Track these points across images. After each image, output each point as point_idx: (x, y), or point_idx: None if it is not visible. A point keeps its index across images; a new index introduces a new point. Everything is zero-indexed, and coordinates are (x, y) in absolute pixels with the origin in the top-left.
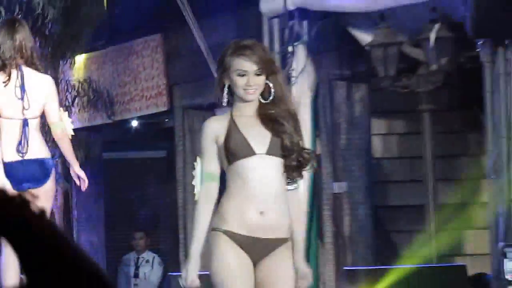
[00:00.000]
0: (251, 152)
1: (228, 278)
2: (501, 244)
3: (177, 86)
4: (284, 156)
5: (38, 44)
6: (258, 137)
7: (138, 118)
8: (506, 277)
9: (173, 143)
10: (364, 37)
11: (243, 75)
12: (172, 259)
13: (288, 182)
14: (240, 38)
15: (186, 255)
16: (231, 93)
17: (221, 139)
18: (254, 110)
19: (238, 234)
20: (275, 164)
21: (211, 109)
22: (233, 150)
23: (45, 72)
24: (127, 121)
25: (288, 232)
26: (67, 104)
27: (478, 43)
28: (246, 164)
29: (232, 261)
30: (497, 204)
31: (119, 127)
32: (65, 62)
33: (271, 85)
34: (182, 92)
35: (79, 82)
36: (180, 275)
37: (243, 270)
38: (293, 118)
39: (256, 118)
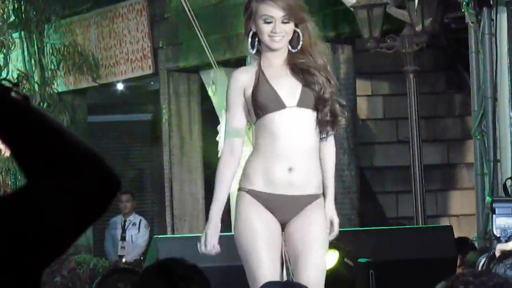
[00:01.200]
0: (281, 105)
1: (251, 241)
2: (488, 199)
3: (162, 49)
4: (317, 108)
5: (23, 8)
6: (288, 88)
7: (123, 81)
8: (495, 232)
9: (158, 106)
10: None
11: (269, 22)
12: (158, 222)
13: (321, 137)
14: None
15: (173, 218)
16: (259, 41)
17: (249, 91)
18: (283, 59)
19: (264, 192)
20: (307, 117)
21: (196, 71)
22: (261, 103)
23: (30, 37)
24: (112, 84)
25: (319, 188)
26: (52, 68)
27: (463, 3)
28: (276, 118)
29: (255, 223)
30: (483, 165)
31: (104, 91)
32: (50, 26)
33: (299, 33)
34: (167, 55)
35: (64, 46)
36: (198, 239)
37: (266, 232)
38: (324, 68)
39: (286, 68)
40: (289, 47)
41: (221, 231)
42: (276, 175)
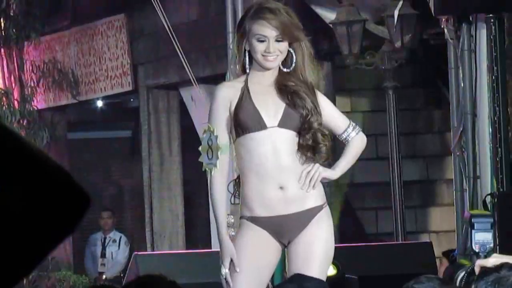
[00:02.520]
0: (262, 126)
1: (240, 260)
2: (468, 214)
3: (142, 66)
4: (299, 132)
5: (3, 25)
6: (272, 108)
7: (103, 98)
8: (474, 248)
9: (138, 122)
10: (328, 14)
11: (262, 41)
12: (138, 239)
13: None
14: (263, 0)
15: (153, 234)
16: (250, 58)
17: (232, 108)
18: (273, 79)
19: (263, 217)
20: (288, 138)
21: (176, 88)
22: (243, 122)
23: (10, 54)
24: (92, 101)
25: (321, 199)
26: (32, 85)
27: (442, 19)
28: (256, 138)
29: (247, 245)
30: (462, 181)
31: (84, 107)
32: (30, 43)
33: (293, 52)
34: (146, 72)
35: (44, 63)
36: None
37: (257, 252)
38: (312, 92)
39: (273, 88)
40: (281, 66)
41: (201, 248)
42: (269, 195)
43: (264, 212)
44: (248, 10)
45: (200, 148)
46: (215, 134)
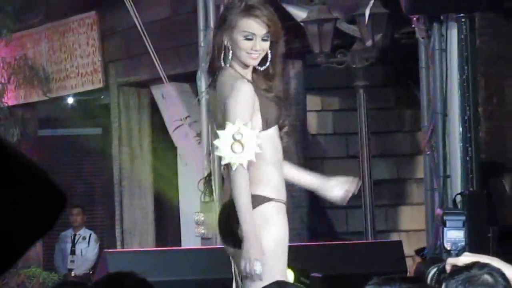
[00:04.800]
0: (278, 120)
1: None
2: (439, 211)
3: (112, 63)
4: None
5: None
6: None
7: (74, 95)
8: (445, 246)
9: (109, 120)
10: (299, 13)
11: (250, 39)
12: (108, 236)
13: None
14: None
15: (122, 232)
16: (225, 53)
17: (257, 103)
18: (250, 76)
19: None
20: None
21: (147, 86)
22: (270, 115)
23: None
24: (62, 98)
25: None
26: (3, 81)
27: (413, 19)
28: (275, 131)
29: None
30: (433, 180)
31: (55, 105)
32: (1, 40)
33: (269, 51)
34: (117, 69)
35: (15, 59)
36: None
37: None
38: (285, 97)
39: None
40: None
41: (171, 246)
42: (282, 182)
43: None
44: (234, 3)
45: (218, 142)
46: (248, 128)
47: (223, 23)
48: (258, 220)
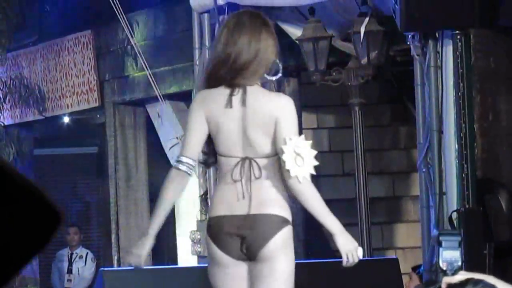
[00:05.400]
0: None
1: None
2: (435, 232)
3: (108, 82)
4: None
5: None
6: None
7: (69, 114)
8: (441, 266)
9: (105, 139)
10: (294, 31)
11: None
12: (105, 255)
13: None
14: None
15: (119, 250)
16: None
17: None
18: None
19: None
20: None
21: (142, 104)
22: None
23: None
24: (58, 117)
25: None
26: None
27: (408, 36)
28: None
29: None
30: (428, 197)
31: (50, 124)
32: None
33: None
34: (112, 88)
35: (10, 79)
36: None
37: None
38: None
39: None
40: None
41: (168, 264)
42: None
43: None
44: (229, 21)
45: (285, 157)
46: (306, 141)
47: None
48: (284, 243)
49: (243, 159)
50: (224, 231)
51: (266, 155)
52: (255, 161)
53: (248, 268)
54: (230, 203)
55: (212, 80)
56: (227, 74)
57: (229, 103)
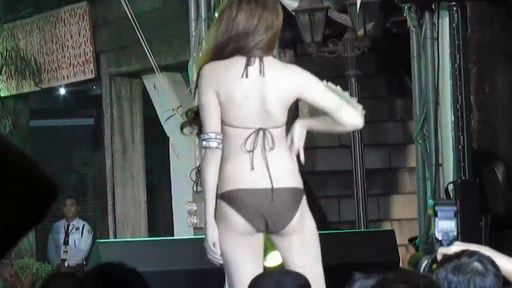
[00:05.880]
0: None
1: None
2: (431, 202)
3: (104, 54)
4: None
5: None
6: None
7: (66, 86)
8: (437, 236)
9: (101, 110)
10: (291, 2)
11: None
12: (101, 227)
13: None
14: None
15: (115, 222)
16: None
17: None
18: None
19: None
20: None
21: (139, 76)
22: None
23: None
24: (54, 89)
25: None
26: None
27: (405, 8)
28: None
29: None
30: (425, 169)
31: (47, 95)
32: None
33: None
34: (109, 60)
35: (6, 50)
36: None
37: None
38: None
39: None
40: None
41: (164, 236)
42: None
43: None
44: None
45: (345, 108)
46: (337, 87)
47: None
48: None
49: (257, 130)
50: (247, 204)
51: (280, 125)
52: (269, 131)
53: (264, 239)
54: (248, 175)
55: (226, 51)
56: (246, 45)
57: (246, 73)
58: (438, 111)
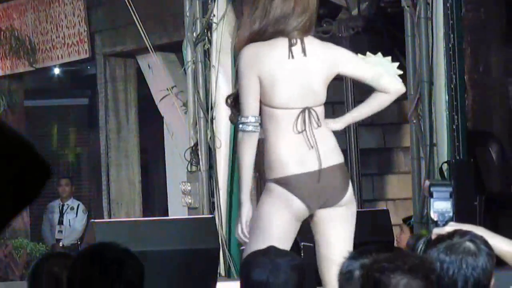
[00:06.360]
0: None
1: None
2: (427, 183)
3: (98, 34)
4: None
5: None
6: None
7: (60, 65)
8: (432, 216)
9: (95, 90)
10: None
11: None
12: (96, 206)
13: None
14: None
15: (110, 202)
16: None
17: None
18: None
19: None
20: None
21: (133, 56)
22: None
23: None
24: (49, 69)
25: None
26: None
27: None
28: None
29: None
30: (419, 149)
31: (41, 75)
32: None
33: None
34: (103, 40)
35: (1, 30)
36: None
37: None
38: None
39: None
40: None
41: (158, 216)
42: None
43: None
44: None
45: (387, 77)
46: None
47: None
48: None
49: (304, 109)
50: (302, 187)
51: (322, 102)
52: (313, 110)
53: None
54: (301, 157)
55: (266, 35)
56: (286, 28)
57: (291, 54)
58: (433, 90)
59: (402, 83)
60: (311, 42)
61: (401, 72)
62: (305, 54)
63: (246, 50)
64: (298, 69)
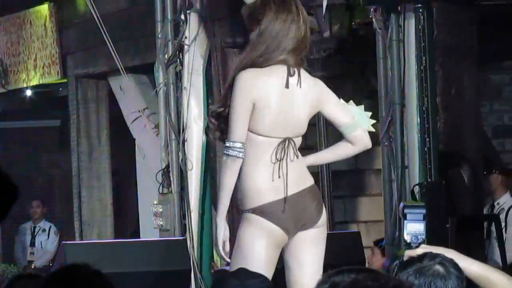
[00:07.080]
0: None
1: None
2: (401, 205)
3: (71, 55)
4: None
5: None
6: None
7: (32, 87)
8: (405, 238)
9: (67, 112)
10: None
11: None
12: (67, 228)
13: None
14: None
15: (81, 224)
16: None
17: None
18: None
19: None
20: None
21: (105, 78)
22: None
23: None
24: (21, 91)
25: (242, 205)
26: None
27: (371, 9)
28: None
29: None
30: (391, 171)
31: (13, 97)
32: None
33: None
34: (75, 61)
35: None
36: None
37: None
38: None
39: None
40: None
41: (129, 238)
42: None
43: None
44: None
45: (358, 120)
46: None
47: None
48: None
49: (284, 139)
50: (280, 214)
51: (302, 134)
52: (293, 140)
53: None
54: (274, 183)
55: (268, 61)
56: (289, 56)
57: (287, 84)
58: (404, 113)
59: (369, 139)
60: (304, 75)
61: (374, 122)
62: (300, 86)
63: (245, 74)
64: (289, 100)
